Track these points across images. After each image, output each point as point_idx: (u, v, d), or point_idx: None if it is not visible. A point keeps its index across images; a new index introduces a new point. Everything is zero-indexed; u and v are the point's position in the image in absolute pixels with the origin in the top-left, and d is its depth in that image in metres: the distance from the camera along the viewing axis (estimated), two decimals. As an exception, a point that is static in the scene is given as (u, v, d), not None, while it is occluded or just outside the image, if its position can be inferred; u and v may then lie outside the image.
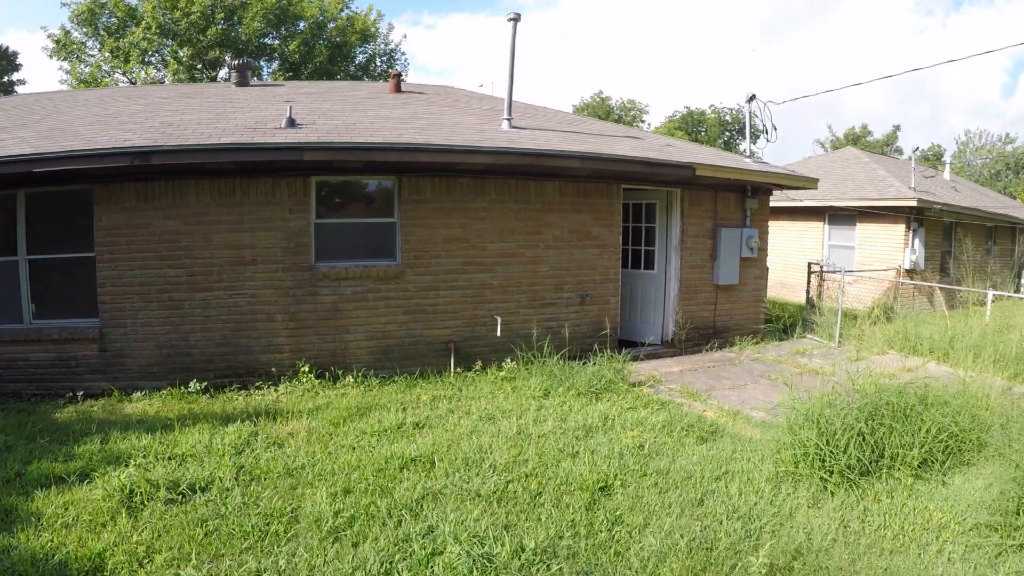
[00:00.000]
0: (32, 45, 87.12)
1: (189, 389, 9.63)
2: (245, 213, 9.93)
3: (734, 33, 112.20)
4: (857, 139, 62.28)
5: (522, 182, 10.77)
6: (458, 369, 10.51)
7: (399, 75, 16.13)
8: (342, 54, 35.43)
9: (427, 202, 10.40)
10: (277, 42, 34.10)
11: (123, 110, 12.30)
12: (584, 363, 10.22)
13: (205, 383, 9.78)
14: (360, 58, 37.36)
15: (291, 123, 10.32)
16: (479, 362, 10.63)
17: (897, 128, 72.90)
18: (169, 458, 6.84)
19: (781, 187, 13.66)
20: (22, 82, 48.41)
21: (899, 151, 62.46)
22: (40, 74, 76.91)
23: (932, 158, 61.49)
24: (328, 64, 34.09)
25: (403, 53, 44.07)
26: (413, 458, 6.80)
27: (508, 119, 11.65)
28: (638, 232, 13.05)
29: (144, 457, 6.79)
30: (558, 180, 10.98)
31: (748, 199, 13.16)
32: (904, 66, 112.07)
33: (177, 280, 9.84)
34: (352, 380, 9.98)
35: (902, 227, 19.73)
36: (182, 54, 31.08)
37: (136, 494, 5.83)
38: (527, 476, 6.45)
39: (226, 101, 13.17)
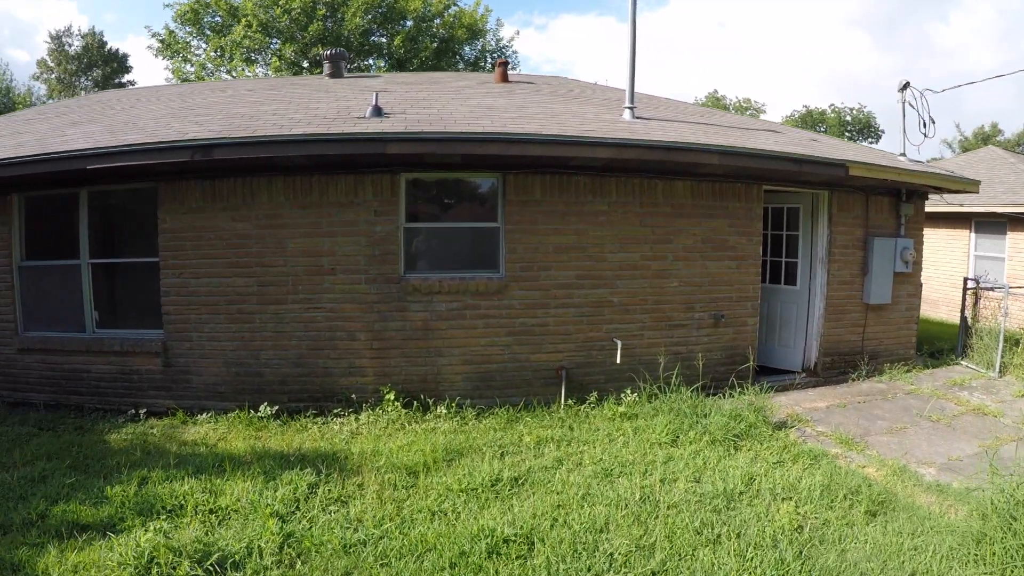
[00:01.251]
0: (142, 47, 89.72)
1: (259, 413, 8.47)
2: (323, 215, 8.69)
3: (843, 35, 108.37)
4: (987, 138, 58.19)
5: (648, 181, 9.19)
6: (569, 401, 8.96)
7: (505, 63, 14.72)
8: (449, 50, 34.19)
9: (536, 204, 8.91)
10: (384, 40, 33.15)
11: (201, 103, 11.25)
12: (718, 397, 8.73)
13: (277, 407, 8.59)
14: (469, 55, 36.06)
15: (377, 112, 8.99)
16: (594, 393, 9.04)
17: (1036, 125, 68.25)
18: (210, 511, 5.69)
19: (940, 190, 11.71)
20: (132, 83, 49.44)
21: (1032, 151, 58.29)
22: (150, 74, 78.85)
23: (1064, 161, 57.16)
24: (434, 60, 32.90)
25: (514, 51, 42.52)
26: (506, 538, 5.27)
27: (630, 108, 10.06)
28: (777, 241, 11.30)
29: (177, 513, 5.65)
30: (689, 179, 9.36)
31: (903, 204, 11.26)
32: None
33: (247, 290, 8.68)
34: (444, 411, 8.59)
35: (1064, 237, 17.40)
36: (285, 52, 30.39)
37: (155, 564, 4.63)
38: (654, 575, 4.89)
39: (313, 92, 11.97)
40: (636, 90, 10.21)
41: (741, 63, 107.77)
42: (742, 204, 9.68)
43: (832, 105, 59.99)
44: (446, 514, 5.77)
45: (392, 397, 8.56)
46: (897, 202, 11.28)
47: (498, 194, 8.95)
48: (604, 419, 8.42)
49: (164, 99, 12.34)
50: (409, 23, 33.00)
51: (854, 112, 59.13)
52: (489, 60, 36.10)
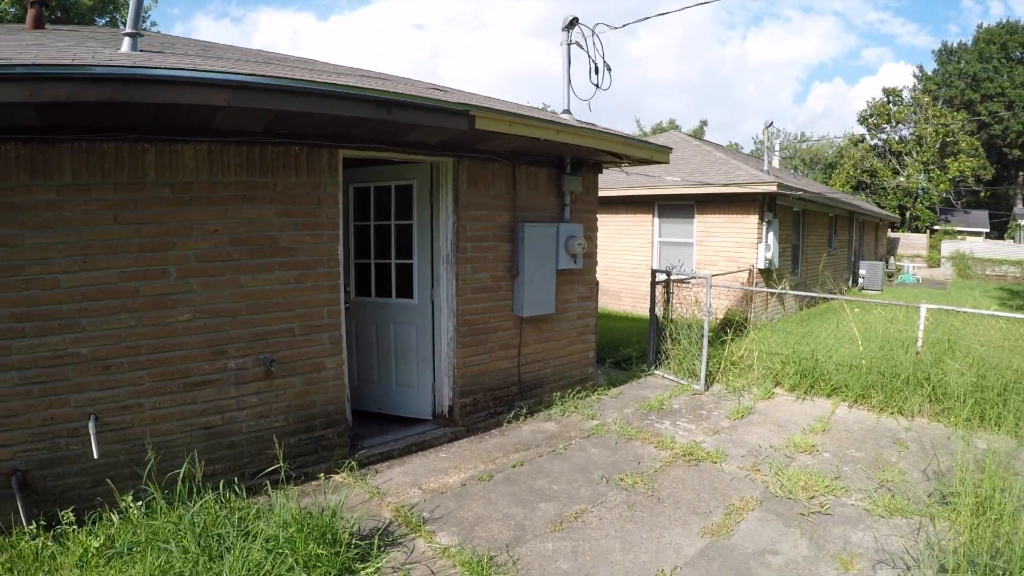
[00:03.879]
0: None
1: None
2: None
3: (538, 42, 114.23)
4: (665, 132, 61.11)
5: (130, 148, 5.29)
6: (36, 523, 4.90)
7: (41, 2, 10.28)
8: (66, 20, 28.27)
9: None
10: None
11: None
12: (286, 489, 5.28)
13: None
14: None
15: None
16: (73, 507, 5.06)
17: (704, 123, 72.46)
18: None
19: (619, 159, 8.76)
20: None
21: (705, 146, 62.35)
22: None
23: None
24: (44, 30, 27.02)
25: (154, 24, 36.70)
26: None
27: (132, 35, 6.07)
28: (384, 235, 7.85)
29: None
30: (207, 141, 5.64)
31: (567, 177, 8.32)
32: (705, 71, 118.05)
33: None
34: None
35: (754, 218, 15.56)
36: None
37: None
38: None
39: None
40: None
41: (439, 64, 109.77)
42: (304, 180, 6.09)
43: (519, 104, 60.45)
44: None
45: None
46: (559, 175, 8.36)
47: None
48: (73, 563, 4.53)
49: None
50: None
51: (540, 110, 59.73)
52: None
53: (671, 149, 9.21)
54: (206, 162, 5.61)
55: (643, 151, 8.56)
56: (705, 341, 9.36)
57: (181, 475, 5.15)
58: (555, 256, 8.10)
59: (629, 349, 11.36)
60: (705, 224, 16.51)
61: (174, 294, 5.54)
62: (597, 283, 9.22)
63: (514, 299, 7.83)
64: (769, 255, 15.47)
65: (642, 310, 16.21)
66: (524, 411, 8.02)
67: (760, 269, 15.54)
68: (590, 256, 8.86)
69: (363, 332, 7.88)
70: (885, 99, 55.49)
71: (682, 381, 9.66)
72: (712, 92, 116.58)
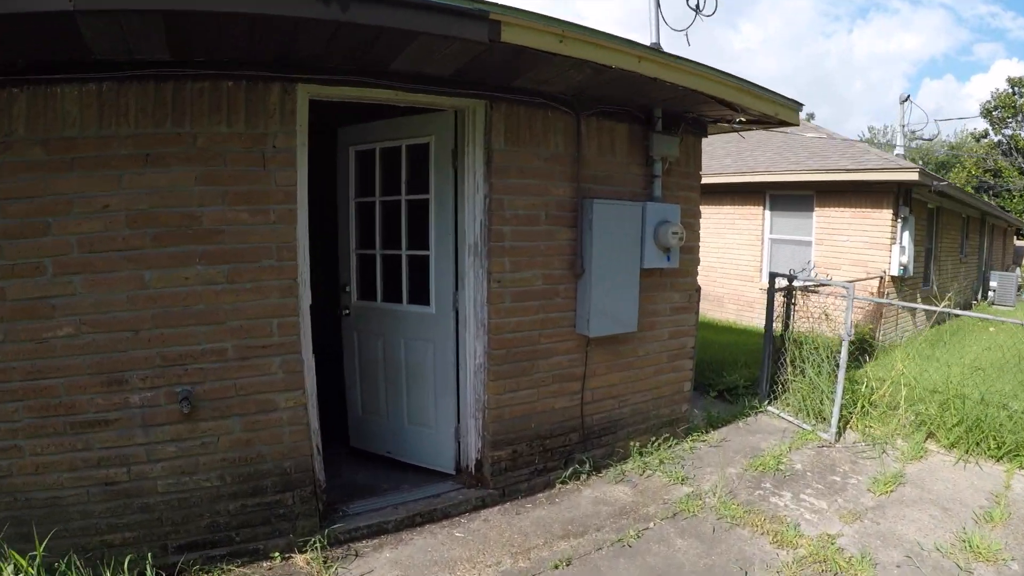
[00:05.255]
0: None
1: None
2: None
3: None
4: (768, 126, 57.83)
5: None
6: None
7: None
8: None
9: None
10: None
11: None
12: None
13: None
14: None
15: None
16: None
17: (811, 116, 68.27)
18: None
19: (732, 111, 6.19)
20: None
21: (812, 143, 59.09)
22: None
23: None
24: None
25: None
26: None
27: None
28: (393, 216, 5.61)
29: None
30: (96, 80, 3.64)
31: (658, 136, 5.91)
32: (809, 66, 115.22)
33: None
34: None
35: (887, 213, 12.76)
36: None
37: None
38: None
39: None
40: None
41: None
42: (239, 129, 3.96)
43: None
44: None
45: None
46: (646, 133, 5.92)
47: None
48: None
49: None
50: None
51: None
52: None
53: (802, 105, 6.64)
54: (95, 108, 3.66)
55: (766, 102, 5.99)
56: (841, 374, 6.87)
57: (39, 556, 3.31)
58: (639, 249, 5.76)
59: (735, 375, 8.88)
60: (827, 219, 13.77)
61: (51, 298, 3.66)
62: (699, 289, 6.86)
63: (577, 310, 5.52)
64: (904, 260, 12.72)
65: (749, 319, 13.74)
66: (587, 467, 5.72)
67: (893, 276, 12.85)
68: (690, 251, 6.47)
69: (367, 347, 5.76)
70: (1011, 90, 50.47)
71: (805, 425, 7.22)
72: (816, 88, 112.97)
